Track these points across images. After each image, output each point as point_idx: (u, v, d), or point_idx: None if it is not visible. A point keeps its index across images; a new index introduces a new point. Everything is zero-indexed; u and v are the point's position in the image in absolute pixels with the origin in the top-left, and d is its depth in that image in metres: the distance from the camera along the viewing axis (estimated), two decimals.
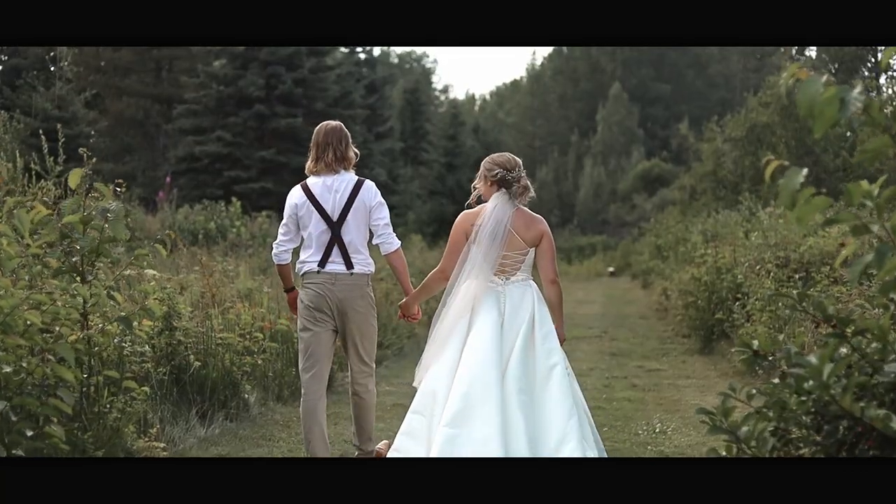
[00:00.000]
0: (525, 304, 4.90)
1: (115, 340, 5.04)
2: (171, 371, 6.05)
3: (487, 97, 75.51)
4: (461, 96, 72.50)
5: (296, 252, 5.44)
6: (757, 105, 25.46)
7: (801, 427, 3.06)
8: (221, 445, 5.76)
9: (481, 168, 5.08)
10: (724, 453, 3.05)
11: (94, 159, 10.67)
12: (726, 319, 10.50)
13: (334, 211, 5.14)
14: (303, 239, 5.31)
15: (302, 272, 5.26)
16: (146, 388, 5.10)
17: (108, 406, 4.85)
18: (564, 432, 4.56)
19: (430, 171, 37.32)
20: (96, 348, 4.96)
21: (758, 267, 10.42)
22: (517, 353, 4.74)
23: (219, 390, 6.33)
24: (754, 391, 3.03)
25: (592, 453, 4.62)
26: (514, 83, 70.21)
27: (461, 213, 5.11)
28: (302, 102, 26.99)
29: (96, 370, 4.87)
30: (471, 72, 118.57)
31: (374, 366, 5.36)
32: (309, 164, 5.28)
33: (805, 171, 2.46)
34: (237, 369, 6.55)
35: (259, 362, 6.90)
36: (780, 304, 9.06)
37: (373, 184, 5.25)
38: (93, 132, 23.06)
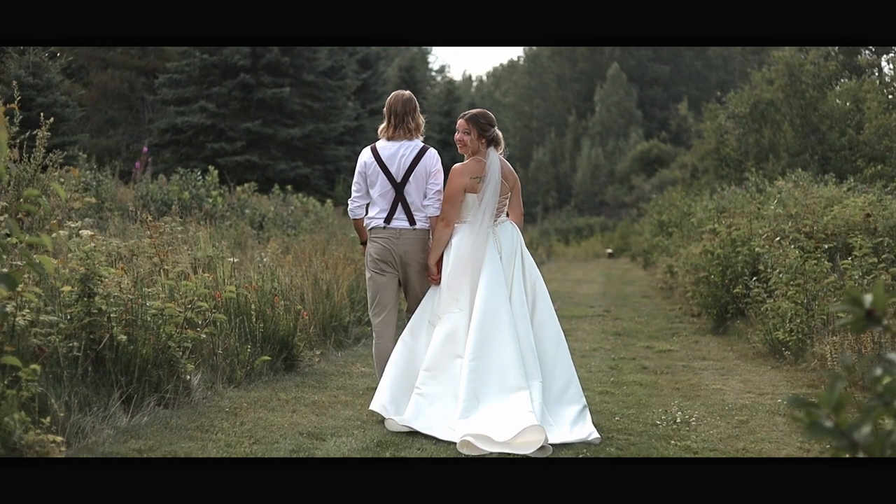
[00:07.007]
0: (514, 239, 5.55)
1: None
2: (89, 346, 4.89)
3: (484, 78, 74.15)
4: (458, 77, 71.15)
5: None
6: (761, 81, 24.37)
7: None
8: (143, 438, 4.59)
9: (473, 125, 5.57)
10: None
11: (52, 119, 9.53)
12: (744, 295, 9.46)
13: (399, 173, 5.71)
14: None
15: (370, 227, 5.82)
16: (36, 367, 3.99)
17: None
18: (556, 357, 5.35)
19: None
20: None
21: (778, 238, 9.40)
22: (517, 281, 5.39)
23: (149, 370, 5.18)
24: (879, 371, 1.95)
25: (578, 384, 5.35)
26: (512, 63, 68.94)
27: (457, 166, 5.57)
28: (290, 72, 25.73)
29: None
30: (468, 52, 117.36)
31: None
32: (383, 127, 5.85)
33: None
34: (175, 345, 5.41)
35: (203, 337, 5.78)
36: (806, 278, 8.04)
37: (435, 152, 5.83)
38: (69, 100, 21.92)
